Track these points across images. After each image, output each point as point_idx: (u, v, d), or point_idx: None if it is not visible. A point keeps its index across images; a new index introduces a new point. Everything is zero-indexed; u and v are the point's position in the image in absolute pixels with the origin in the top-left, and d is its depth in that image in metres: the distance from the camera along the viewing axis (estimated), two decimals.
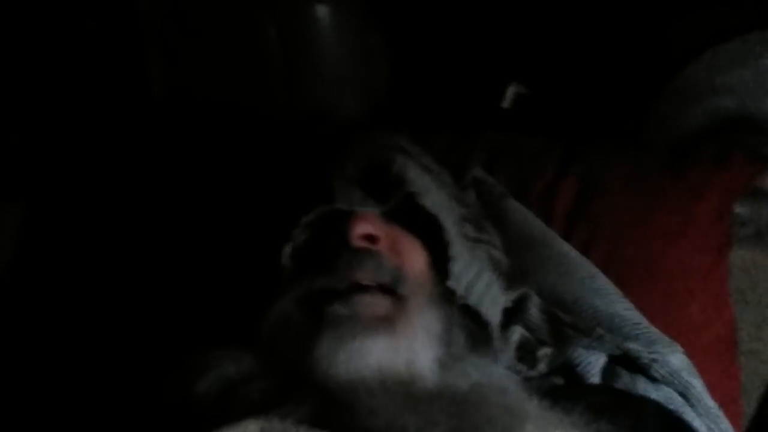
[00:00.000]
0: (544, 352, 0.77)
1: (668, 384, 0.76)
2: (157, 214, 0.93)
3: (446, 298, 0.71)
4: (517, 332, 0.79)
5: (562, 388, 0.74)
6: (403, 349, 0.66)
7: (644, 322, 0.81)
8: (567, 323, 0.79)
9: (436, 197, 0.73)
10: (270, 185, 0.78)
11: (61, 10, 1.09)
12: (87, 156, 0.99)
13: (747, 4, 1.14)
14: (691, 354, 0.80)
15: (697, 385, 0.78)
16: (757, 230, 1.06)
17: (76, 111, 1.06)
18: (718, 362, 0.88)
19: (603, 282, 0.84)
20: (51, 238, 0.96)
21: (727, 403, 0.83)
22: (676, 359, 0.77)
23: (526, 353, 0.78)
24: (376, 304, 0.67)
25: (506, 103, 1.25)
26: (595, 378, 0.77)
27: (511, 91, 1.25)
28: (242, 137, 0.96)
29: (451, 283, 0.72)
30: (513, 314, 0.80)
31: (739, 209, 0.99)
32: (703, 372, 0.80)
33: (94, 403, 0.77)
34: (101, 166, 0.98)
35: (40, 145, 1.00)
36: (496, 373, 0.69)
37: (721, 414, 0.78)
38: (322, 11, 1.11)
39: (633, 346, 0.77)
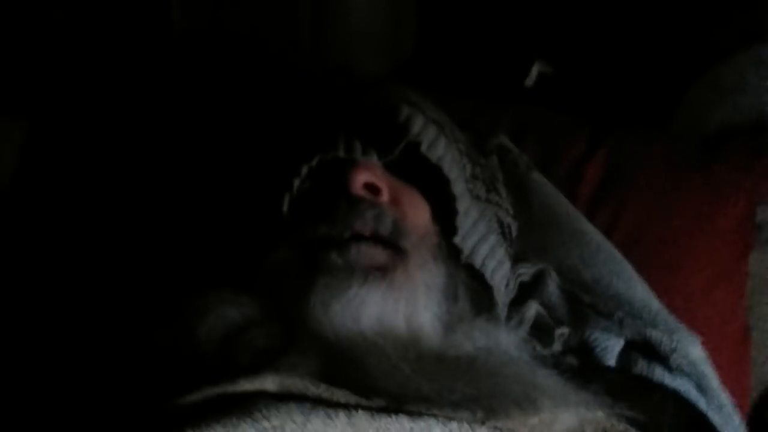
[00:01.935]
0: (561, 332, 0.75)
1: (685, 375, 0.74)
2: (159, 150, 0.90)
3: (450, 255, 0.69)
4: (533, 308, 0.76)
5: (578, 368, 0.72)
6: (403, 301, 0.64)
7: (664, 310, 0.79)
8: (587, 304, 0.77)
9: (442, 150, 0.71)
10: (275, 132, 0.75)
11: None
12: (98, 81, 0.95)
13: None
14: (708, 347, 0.78)
15: (713, 378, 0.76)
16: None
17: (94, 34, 1.01)
18: (732, 359, 0.86)
19: (625, 266, 0.82)
20: (52, 158, 0.92)
21: (737, 400, 0.81)
22: (695, 350, 0.76)
23: (540, 331, 0.75)
24: (374, 254, 0.65)
25: (530, 82, 1.22)
26: (611, 362, 0.74)
27: (535, 70, 1.22)
28: (256, 82, 0.93)
29: (457, 240, 0.69)
30: (530, 289, 0.77)
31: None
32: (718, 367, 0.78)
33: (87, 344, 0.73)
34: (111, 93, 0.94)
35: (52, 64, 0.96)
36: (506, 341, 0.66)
37: (734, 410, 0.76)
38: None
39: (654, 333, 0.74)
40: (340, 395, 0.56)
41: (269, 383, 0.55)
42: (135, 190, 0.89)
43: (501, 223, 0.75)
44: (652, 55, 1.13)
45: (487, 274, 0.71)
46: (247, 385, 0.55)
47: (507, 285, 0.74)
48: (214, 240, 0.73)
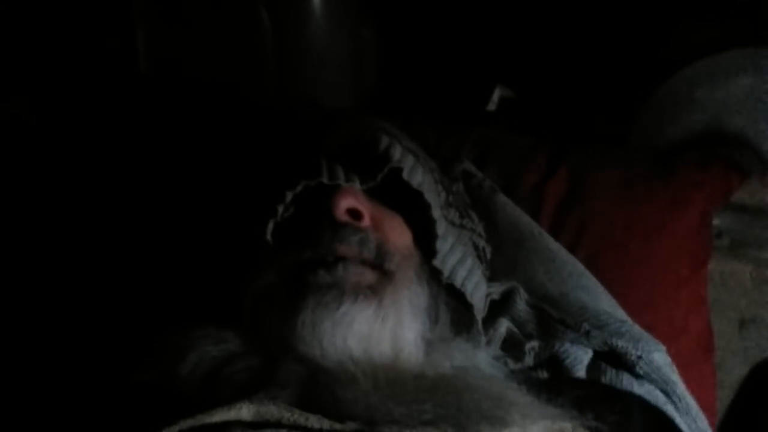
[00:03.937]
0: (532, 345, 0.77)
1: (652, 381, 0.77)
2: (138, 189, 0.91)
3: (432, 277, 0.71)
4: (504, 325, 0.78)
5: (548, 382, 0.74)
6: (390, 321, 0.65)
7: (629, 320, 0.82)
8: (554, 318, 0.79)
9: (420, 177, 0.73)
10: (255, 162, 0.77)
11: None
12: (70, 124, 0.97)
13: (732, 21, 1.17)
14: (671, 355, 0.81)
15: (679, 383, 0.78)
16: (731, 242, 1.08)
17: (61, 80, 1.03)
18: (696, 365, 0.89)
19: (589, 279, 0.85)
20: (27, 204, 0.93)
21: (703, 408, 0.84)
22: (659, 357, 0.78)
23: (512, 346, 0.77)
24: (362, 274, 0.66)
25: (492, 106, 1.26)
26: (580, 373, 0.77)
27: (497, 94, 1.26)
28: (227, 117, 0.95)
29: (436, 263, 0.71)
30: (500, 307, 0.80)
31: (715, 221, 1.01)
32: (683, 372, 0.81)
33: (70, 382, 0.74)
34: (84, 137, 0.96)
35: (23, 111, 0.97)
36: (481, 359, 0.69)
37: (700, 413, 0.78)
38: (316, 1, 1.10)
39: (620, 342, 0.77)
40: (314, 420, 0.57)
41: (244, 412, 0.57)
42: (118, 225, 0.89)
43: (476, 247, 0.78)
44: (606, 74, 1.18)
45: (468, 294, 0.73)
46: (222, 416, 0.57)
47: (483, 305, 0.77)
48: (197, 273, 0.74)
